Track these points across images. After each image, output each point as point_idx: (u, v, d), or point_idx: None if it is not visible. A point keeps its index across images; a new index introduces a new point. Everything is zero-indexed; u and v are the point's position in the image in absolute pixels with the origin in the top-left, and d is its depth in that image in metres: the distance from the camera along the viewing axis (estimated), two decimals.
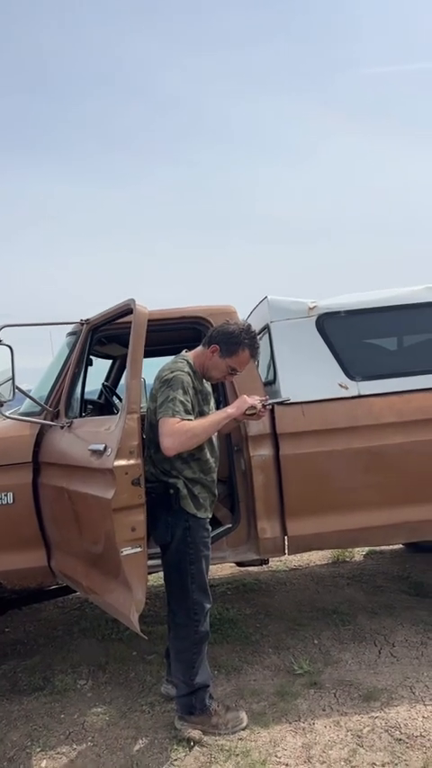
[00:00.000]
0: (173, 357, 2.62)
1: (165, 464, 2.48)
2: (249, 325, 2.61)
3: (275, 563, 4.64)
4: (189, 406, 2.41)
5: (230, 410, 2.49)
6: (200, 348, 2.62)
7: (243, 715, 2.60)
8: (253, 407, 2.51)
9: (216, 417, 2.46)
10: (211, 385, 2.73)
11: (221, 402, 3.15)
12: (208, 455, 2.56)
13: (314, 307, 3.24)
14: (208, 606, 2.55)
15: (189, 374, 2.48)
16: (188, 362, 2.54)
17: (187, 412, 2.38)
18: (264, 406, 2.58)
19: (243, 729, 2.54)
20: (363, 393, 3.13)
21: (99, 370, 4.32)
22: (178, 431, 2.32)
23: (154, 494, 2.45)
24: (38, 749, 2.54)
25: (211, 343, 2.56)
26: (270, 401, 2.73)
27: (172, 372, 2.46)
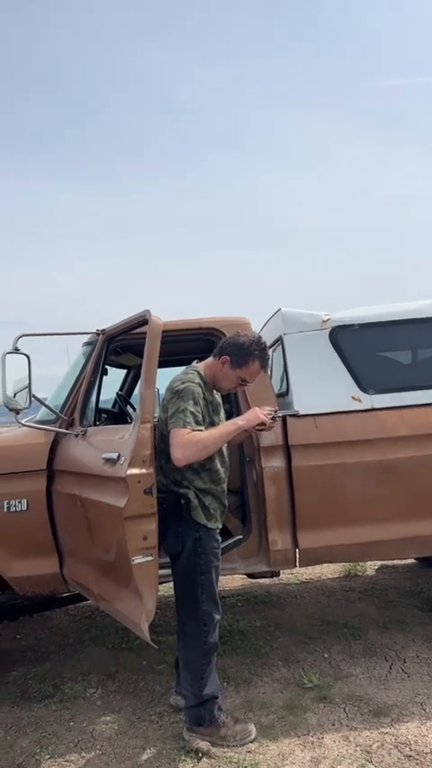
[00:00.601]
0: (183, 368, 2.65)
1: (175, 474, 2.50)
2: (260, 337, 2.63)
3: (286, 575, 4.62)
4: (200, 417, 2.43)
5: (241, 422, 2.50)
6: (210, 359, 2.65)
7: (252, 727, 2.59)
8: (263, 423, 2.53)
9: (226, 429, 2.48)
10: (224, 395, 2.75)
11: (234, 412, 3.17)
12: (218, 465, 2.58)
13: (328, 319, 3.26)
14: (217, 617, 2.56)
15: (200, 385, 2.51)
16: (199, 373, 2.57)
17: (198, 423, 2.40)
18: (273, 418, 2.59)
19: (251, 742, 2.53)
20: (376, 406, 3.13)
21: (113, 379, 4.36)
22: (189, 442, 2.34)
23: (165, 504, 2.46)
24: (47, 756, 2.55)
25: (221, 354, 2.59)
26: (280, 413, 2.73)
27: (183, 383, 2.49)
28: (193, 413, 2.40)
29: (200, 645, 2.52)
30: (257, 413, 2.53)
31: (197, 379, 2.52)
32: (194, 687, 2.54)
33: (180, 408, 2.40)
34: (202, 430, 2.41)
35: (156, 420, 2.59)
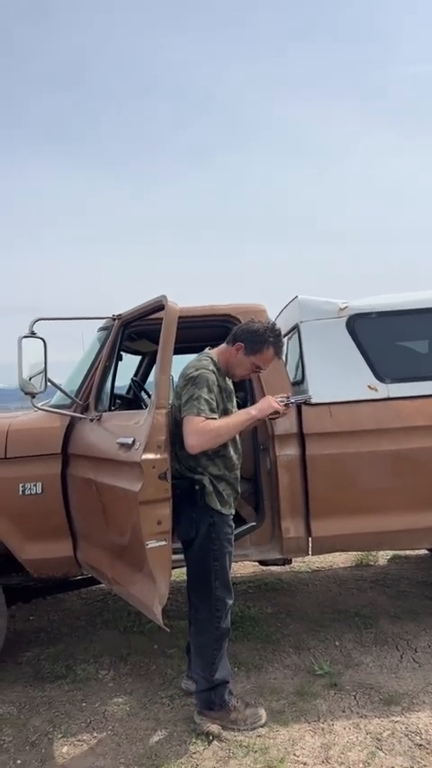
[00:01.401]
0: (197, 354, 2.64)
1: (190, 461, 2.50)
2: (274, 324, 2.61)
3: (298, 563, 4.63)
4: (214, 404, 2.43)
5: (254, 411, 2.50)
6: (224, 346, 2.64)
7: (262, 712, 2.61)
8: (276, 412, 2.53)
9: (240, 418, 2.49)
10: (238, 383, 2.74)
11: (248, 400, 3.17)
12: (232, 452, 2.58)
13: (345, 307, 3.23)
14: (230, 603, 2.57)
15: (214, 372, 2.50)
16: (213, 360, 2.57)
17: (212, 410, 2.41)
18: (287, 405, 2.57)
19: (262, 726, 2.55)
20: (392, 395, 3.11)
21: (127, 365, 4.37)
22: (203, 430, 2.35)
23: (178, 490, 2.47)
24: (59, 735, 2.58)
25: (235, 341, 2.58)
26: (292, 399, 2.72)
27: (197, 370, 2.48)
28: (207, 400, 2.40)
29: (212, 630, 2.53)
30: (270, 401, 2.53)
31: (211, 366, 2.52)
32: (206, 672, 2.56)
33: (194, 396, 2.40)
34: (215, 417, 2.41)
35: (170, 406, 2.59)
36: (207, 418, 2.37)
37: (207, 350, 2.66)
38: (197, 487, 2.48)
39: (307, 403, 3.08)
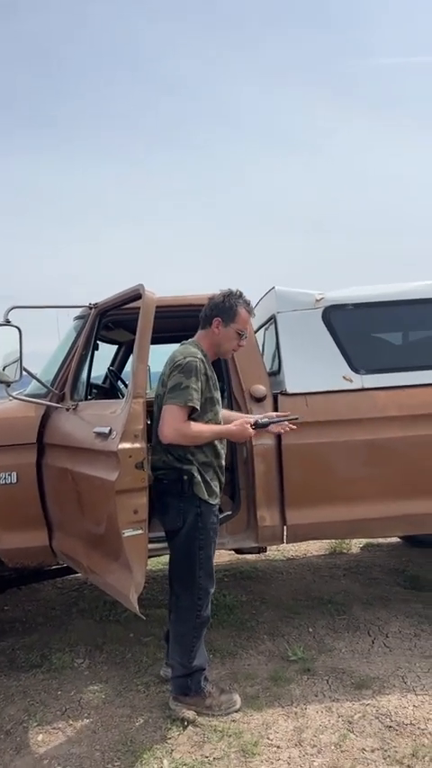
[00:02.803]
0: (181, 344, 2.64)
1: (179, 449, 2.49)
2: (230, 289, 2.63)
3: (273, 552, 4.68)
4: (199, 394, 2.44)
5: (233, 429, 2.52)
6: (202, 332, 2.65)
7: (237, 698, 2.65)
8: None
9: (218, 430, 2.53)
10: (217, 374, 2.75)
11: (225, 390, 3.19)
12: (217, 441, 2.60)
13: (321, 299, 3.25)
14: (212, 591, 2.60)
15: (202, 360, 2.51)
16: (200, 348, 2.57)
17: (198, 400, 2.42)
18: (254, 427, 2.61)
19: (236, 711, 2.59)
20: (366, 386, 3.15)
21: (104, 356, 4.34)
22: (182, 430, 2.39)
23: (166, 480, 2.49)
24: (35, 724, 2.59)
25: (211, 320, 2.59)
26: (261, 423, 2.69)
27: (185, 358, 2.47)
28: (195, 389, 2.41)
29: (193, 618, 2.56)
30: (248, 431, 2.54)
31: (199, 354, 2.52)
32: (183, 658, 2.58)
33: (182, 385, 2.41)
34: (198, 408, 2.42)
35: (155, 396, 2.60)
36: (192, 408, 2.40)
37: (190, 340, 2.66)
38: (185, 477, 2.48)
39: (283, 393, 3.11)
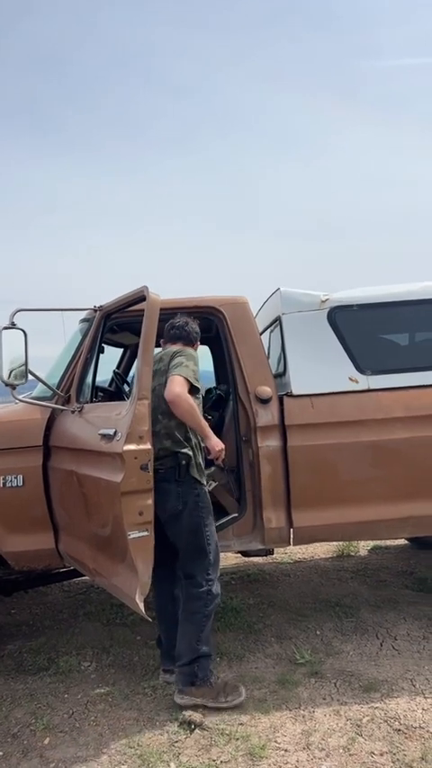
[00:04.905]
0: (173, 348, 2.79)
1: (180, 431, 2.64)
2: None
3: (279, 555, 4.66)
4: (196, 377, 2.64)
5: (213, 438, 2.73)
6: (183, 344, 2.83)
7: (242, 689, 2.68)
8: (217, 457, 2.81)
9: (204, 424, 2.68)
10: (222, 374, 2.79)
11: (231, 392, 3.20)
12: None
13: (326, 300, 3.25)
14: (218, 568, 2.75)
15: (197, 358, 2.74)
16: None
17: (197, 380, 2.63)
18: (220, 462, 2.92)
19: (241, 704, 2.61)
20: (372, 387, 3.14)
21: (109, 359, 4.34)
22: (186, 395, 2.54)
23: (162, 469, 2.58)
24: (41, 727, 2.58)
25: (193, 341, 2.87)
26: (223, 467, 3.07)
27: (183, 349, 2.72)
28: (194, 371, 2.62)
29: (203, 595, 2.65)
30: (221, 452, 2.77)
31: (195, 354, 2.75)
32: (193, 639, 2.63)
33: (183, 363, 2.60)
34: (196, 386, 2.63)
35: (154, 388, 2.62)
36: (192, 386, 2.59)
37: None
38: (183, 462, 2.63)
39: (289, 395, 3.12)
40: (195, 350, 2.88)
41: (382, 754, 2.29)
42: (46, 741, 2.49)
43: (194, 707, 2.60)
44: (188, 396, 2.56)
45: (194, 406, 2.59)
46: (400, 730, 2.43)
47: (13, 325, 2.72)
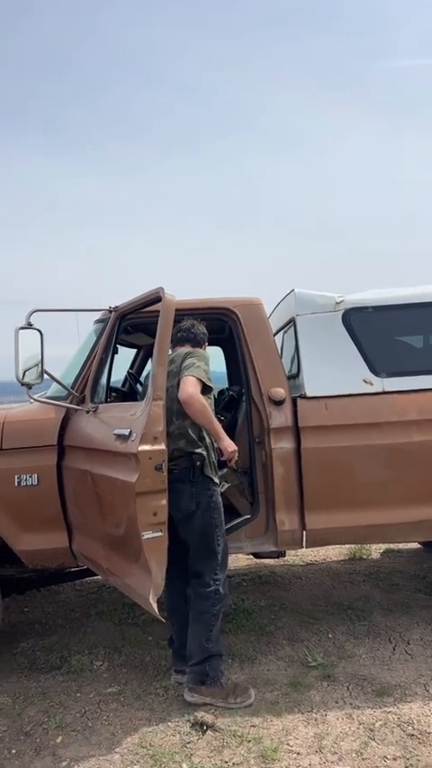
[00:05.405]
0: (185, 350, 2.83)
1: (194, 431, 2.67)
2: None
3: (291, 557, 4.65)
4: (208, 377, 2.68)
5: (226, 439, 2.75)
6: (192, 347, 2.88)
7: (252, 691, 2.69)
8: (230, 459, 2.82)
9: (217, 424, 2.71)
10: (235, 376, 2.81)
11: (244, 393, 3.19)
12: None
13: (342, 301, 3.24)
14: (226, 568, 2.79)
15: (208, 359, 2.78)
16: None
17: (209, 380, 2.67)
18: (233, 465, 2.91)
19: (250, 706, 2.62)
20: (387, 389, 3.13)
21: (122, 360, 4.36)
22: (199, 395, 2.57)
23: (176, 469, 2.60)
24: (54, 725, 2.59)
25: (200, 342, 2.92)
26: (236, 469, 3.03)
27: (194, 350, 2.79)
28: (205, 371, 2.67)
29: (211, 595, 2.68)
30: (233, 453, 2.79)
31: (207, 354, 2.81)
32: (202, 639, 2.66)
33: (195, 364, 2.64)
34: (209, 386, 2.67)
35: (167, 389, 2.64)
36: (205, 385, 2.63)
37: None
38: (198, 463, 2.66)
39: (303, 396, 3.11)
40: (204, 350, 2.93)
41: (395, 759, 2.27)
42: (58, 739, 2.50)
43: (204, 706, 2.62)
44: (201, 396, 2.59)
45: (207, 406, 2.62)
46: (413, 735, 2.41)
47: (29, 326, 2.74)
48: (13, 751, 2.44)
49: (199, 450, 2.68)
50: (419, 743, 2.36)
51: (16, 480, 2.97)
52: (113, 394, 3.83)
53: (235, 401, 3.73)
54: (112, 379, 3.44)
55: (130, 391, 4.16)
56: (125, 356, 4.52)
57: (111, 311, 3.15)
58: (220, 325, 3.32)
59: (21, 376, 2.75)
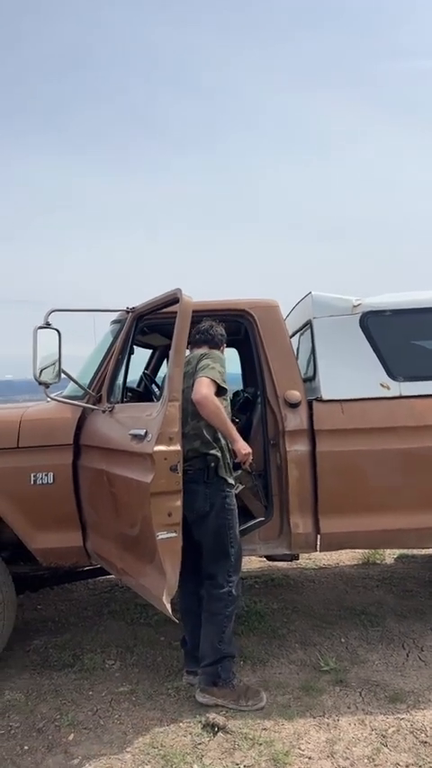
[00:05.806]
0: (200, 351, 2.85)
1: (209, 432, 2.68)
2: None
3: (304, 560, 4.63)
4: (222, 378, 2.69)
5: (240, 441, 2.74)
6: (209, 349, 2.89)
7: (263, 694, 2.69)
8: (244, 462, 2.81)
9: (231, 426, 2.73)
10: (250, 377, 2.81)
11: (260, 395, 3.19)
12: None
13: (359, 304, 3.22)
14: (240, 570, 2.80)
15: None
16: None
17: (224, 382, 2.68)
18: (247, 467, 2.92)
19: (261, 709, 2.62)
20: (404, 394, 3.11)
21: (139, 360, 4.37)
22: (212, 396, 2.59)
23: (191, 470, 2.61)
24: (66, 723, 2.60)
25: (218, 343, 2.93)
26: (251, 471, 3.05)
27: (210, 351, 2.81)
28: (220, 372, 2.68)
29: (224, 597, 2.69)
30: (249, 457, 2.79)
31: (222, 356, 2.84)
32: (215, 640, 2.66)
33: (209, 365, 2.65)
34: (223, 387, 2.68)
35: (183, 390, 2.65)
36: (219, 387, 2.64)
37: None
38: (212, 464, 2.67)
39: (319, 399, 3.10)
40: (222, 352, 2.94)
41: (407, 766, 2.25)
42: (70, 737, 2.52)
43: (215, 707, 2.62)
44: (214, 397, 2.61)
45: (220, 407, 2.63)
46: (426, 742, 2.39)
47: (48, 325, 2.76)
48: (26, 747, 2.46)
49: (214, 452, 2.69)
50: None
51: (32, 479, 2.99)
52: (129, 394, 3.85)
53: (250, 403, 3.73)
54: (128, 380, 3.46)
55: (145, 392, 4.18)
56: (140, 357, 4.54)
57: (128, 312, 3.16)
58: (235, 326, 3.32)
59: (38, 374, 2.77)
